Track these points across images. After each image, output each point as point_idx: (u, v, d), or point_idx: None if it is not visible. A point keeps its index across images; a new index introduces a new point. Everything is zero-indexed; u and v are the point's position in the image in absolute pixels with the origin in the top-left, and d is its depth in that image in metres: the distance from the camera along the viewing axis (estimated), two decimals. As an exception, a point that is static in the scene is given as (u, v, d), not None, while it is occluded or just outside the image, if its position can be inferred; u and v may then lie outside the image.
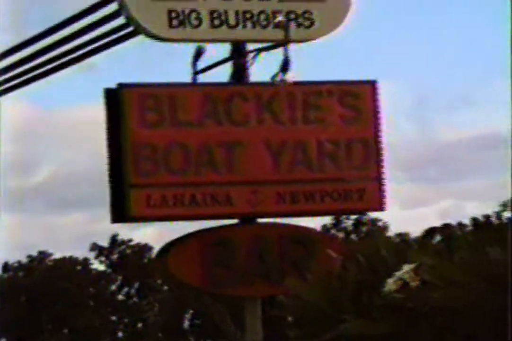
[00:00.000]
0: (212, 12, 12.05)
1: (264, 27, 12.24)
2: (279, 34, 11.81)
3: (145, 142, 12.13)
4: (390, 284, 6.02)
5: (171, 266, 12.65)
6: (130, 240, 70.72)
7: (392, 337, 6.02)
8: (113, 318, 73.46)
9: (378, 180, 12.41)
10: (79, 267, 73.98)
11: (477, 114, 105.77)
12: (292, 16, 11.92)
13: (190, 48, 12.27)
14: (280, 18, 11.78)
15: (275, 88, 12.26)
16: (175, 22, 11.90)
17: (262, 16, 12.24)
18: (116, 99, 12.05)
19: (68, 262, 72.74)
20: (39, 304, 68.18)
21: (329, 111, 12.32)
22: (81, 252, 71.57)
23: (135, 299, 72.30)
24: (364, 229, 57.21)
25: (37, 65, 15.61)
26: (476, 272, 5.93)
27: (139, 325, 72.55)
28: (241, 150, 12.31)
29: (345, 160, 12.35)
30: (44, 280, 69.26)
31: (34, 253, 72.98)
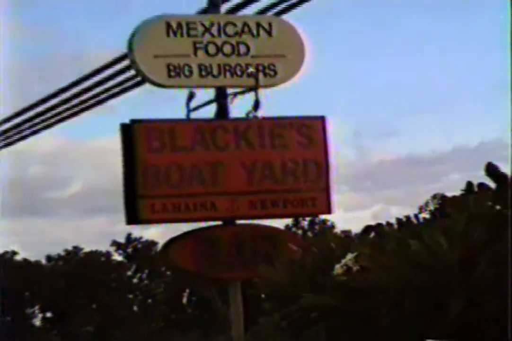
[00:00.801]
0: (200, 65, 11.79)
1: (240, 76, 12.05)
2: (251, 82, 11.74)
3: (151, 164, 11.97)
4: (337, 268, 5.85)
5: (172, 256, 12.59)
6: (141, 237, 71.50)
7: (338, 308, 5.75)
8: (130, 296, 74.84)
9: (327, 191, 12.24)
10: (103, 258, 74.17)
11: (399, 141, 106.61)
12: (260, 68, 11.72)
13: (184, 93, 12.07)
14: (251, 69, 11.68)
15: (249, 122, 12.05)
16: (172, 73, 11.77)
17: (238, 68, 11.98)
18: (129, 131, 11.89)
19: (95, 254, 72.71)
20: (74, 286, 68.29)
21: (290, 139, 12.18)
22: (104, 246, 71.45)
23: (146, 281, 72.53)
24: (317, 227, 57.32)
25: (70, 106, 15.74)
26: (401, 259, 5.97)
27: (149, 301, 73.96)
28: (223, 169, 12.09)
29: (302, 176, 12.16)
30: (77, 268, 69.69)
31: (70, 248, 73.59)
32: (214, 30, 11.96)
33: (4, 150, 22.72)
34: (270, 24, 12.06)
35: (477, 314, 5.67)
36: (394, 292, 5.88)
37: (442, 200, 10.76)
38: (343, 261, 7.24)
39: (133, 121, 11.72)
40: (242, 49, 11.94)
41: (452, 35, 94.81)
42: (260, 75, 11.89)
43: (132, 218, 11.92)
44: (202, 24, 11.92)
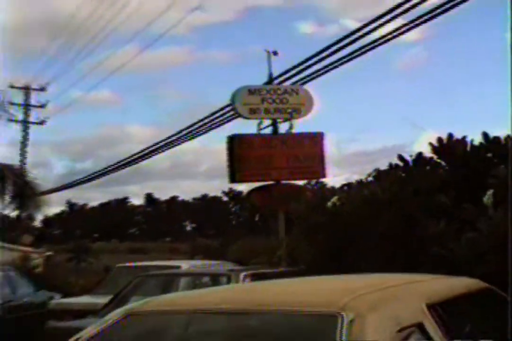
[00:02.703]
0: (265, 109, 17.63)
1: (284, 113, 17.82)
2: (287, 116, 17.62)
3: (244, 158, 17.67)
4: (328, 204, 11.71)
5: (251, 198, 18.70)
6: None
7: (327, 223, 11.35)
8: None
9: (323, 167, 18.30)
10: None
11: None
12: (292, 110, 17.39)
13: (256, 122, 17.79)
14: (289, 110, 17.41)
15: (287, 135, 17.80)
16: (252, 112, 17.38)
17: (283, 110, 17.81)
18: (231, 140, 17.64)
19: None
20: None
21: (304, 143, 17.84)
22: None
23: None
24: (318, 184, 59.86)
25: (207, 127, 21.19)
26: (358, 199, 11.60)
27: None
28: (274, 158, 17.77)
29: (311, 160, 17.95)
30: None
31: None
32: (271, 92, 17.72)
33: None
34: (297, 90, 17.80)
35: (401, 230, 10.34)
36: (355, 214, 10.83)
37: (377, 171, 14.03)
38: (332, 200, 12.01)
39: (233, 135, 17.79)
40: (284, 101, 17.63)
41: None
42: (293, 113, 17.74)
43: (233, 179, 18.21)
44: (265, 89, 17.77)
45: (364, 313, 3.81)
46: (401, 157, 13.81)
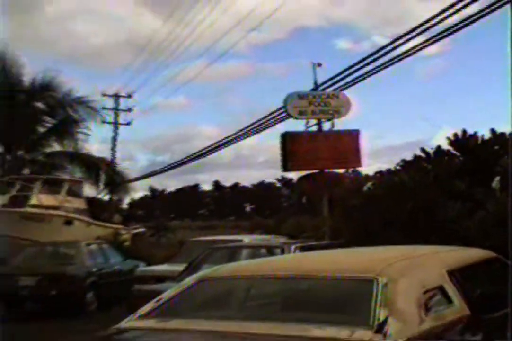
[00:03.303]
0: (311, 110, 17.40)
1: (327, 114, 17.65)
2: (330, 117, 17.55)
3: (294, 151, 17.51)
4: (365, 188, 13.87)
5: (301, 185, 19.24)
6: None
7: (364, 204, 12.49)
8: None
9: (359, 158, 17.84)
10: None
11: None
12: (334, 111, 17.15)
13: (303, 121, 17.56)
14: (331, 111, 17.23)
15: (329, 132, 17.68)
16: (301, 114, 17.35)
17: (326, 111, 17.61)
18: (284, 136, 17.58)
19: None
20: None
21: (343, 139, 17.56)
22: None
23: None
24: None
25: (262, 126, 20.67)
26: (389, 185, 12.92)
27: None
28: (320, 151, 17.40)
29: (349, 152, 17.63)
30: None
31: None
32: (316, 96, 17.66)
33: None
34: (337, 95, 17.72)
35: (424, 209, 11.04)
36: (386, 197, 12.31)
37: (404, 162, 14.27)
38: (367, 185, 15.19)
39: (286, 132, 17.88)
40: (327, 104, 17.53)
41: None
42: (334, 114, 17.78)
43: (285, 168, 18.07)
44: (312, 94, 17.73)
45: (396, 278, 3.90)
46: (423, 150, 14.18)
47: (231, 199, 74.62)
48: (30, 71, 27.43)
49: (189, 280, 4.76)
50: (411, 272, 4.03)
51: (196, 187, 75.58)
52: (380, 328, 3.42)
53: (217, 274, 4.75)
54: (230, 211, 69.37)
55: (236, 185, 77.45)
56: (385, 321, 3.46)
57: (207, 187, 76.71)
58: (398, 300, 3.67)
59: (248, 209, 71.56)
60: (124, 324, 4.23)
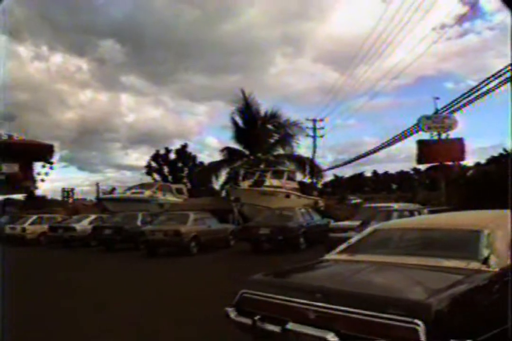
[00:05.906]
0: (434, 126, 17.89)
1: (442, 128, 18.07)
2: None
3: (424, 151, 17.73)
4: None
5: (427, 172, 21.50)
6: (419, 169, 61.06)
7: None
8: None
9: (463, 154, 17.95)
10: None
11: None
12: None
13: (428, 133, 18.62)
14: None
15: None
16: (428, 128, 17.39)
17: (442, 126, 17.93)
18: (419, 142, 18.42)
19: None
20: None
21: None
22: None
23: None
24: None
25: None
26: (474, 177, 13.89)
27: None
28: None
29: (454, 151, 17.68)
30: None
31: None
32: (437, 117, 18.13)
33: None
34: (449, 116, 18.00)
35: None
36: (480, 180, 12.86)
37: (492, 157, 14.89)
38: (469, 172, 15.62)
39: (420, 140, 18.65)
40: (443, 122, 17.65)
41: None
42: (448, 128, 18.20)
43: (419, 162, 18.30)
44: (434, 116, 18.08)
45: (495, 230, 4.03)
46: (504, 150, 17.49)
47: (383, 181, 77.72)
48: (263, 107, 32.55)
49: (367, 230, 4.99)
50: (503, 226, 3.93)
51: (361, 174, 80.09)
52: (485, 261, 3.71)
53: (384, 227, 4.98)
54: (382, 188, 71.61)
55: (386, 172, 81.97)
56: (488, 257, 3.75)
57: (368, 174, 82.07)
58: (496, 244, 3.84)
59: (393, 187, 73.57)
60: (327, 257, 4.73)
